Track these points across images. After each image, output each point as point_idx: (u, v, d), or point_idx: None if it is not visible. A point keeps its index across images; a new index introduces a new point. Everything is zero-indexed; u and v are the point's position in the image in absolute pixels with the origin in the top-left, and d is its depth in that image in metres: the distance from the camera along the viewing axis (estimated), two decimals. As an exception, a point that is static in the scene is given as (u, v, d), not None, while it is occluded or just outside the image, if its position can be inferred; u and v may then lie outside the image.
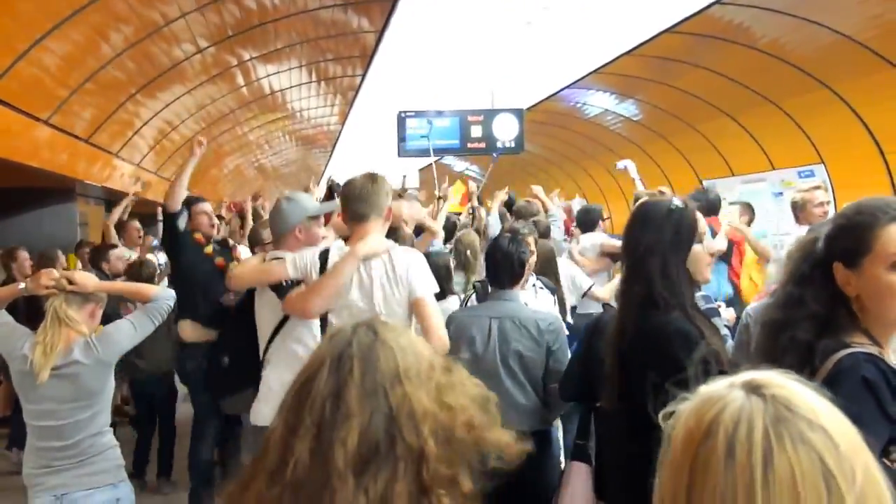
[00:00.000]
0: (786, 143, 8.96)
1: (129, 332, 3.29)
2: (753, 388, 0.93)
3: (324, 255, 3.29)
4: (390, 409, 1.20)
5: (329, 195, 5.47)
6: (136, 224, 7.77)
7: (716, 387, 0.95)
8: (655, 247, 2.38)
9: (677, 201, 2.48)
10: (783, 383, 0.93)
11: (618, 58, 8.93)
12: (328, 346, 1.29)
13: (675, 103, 10.05)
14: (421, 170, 14.99)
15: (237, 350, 3.94)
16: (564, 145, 14.07)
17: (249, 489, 1.23)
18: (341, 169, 19.53)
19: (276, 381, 3.36)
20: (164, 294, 3.38)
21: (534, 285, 4.59)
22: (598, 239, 6.14)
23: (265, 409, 3.34)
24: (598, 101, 11.53)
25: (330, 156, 17.87)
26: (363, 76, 9.93)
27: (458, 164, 18.90)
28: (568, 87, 10.59)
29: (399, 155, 10.57)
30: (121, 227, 7.62)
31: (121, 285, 4.28)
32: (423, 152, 10.73)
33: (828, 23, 6.92)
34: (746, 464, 0.87)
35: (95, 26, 5.65)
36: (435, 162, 10.39)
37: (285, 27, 7.57)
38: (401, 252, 3.28)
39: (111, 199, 10.80)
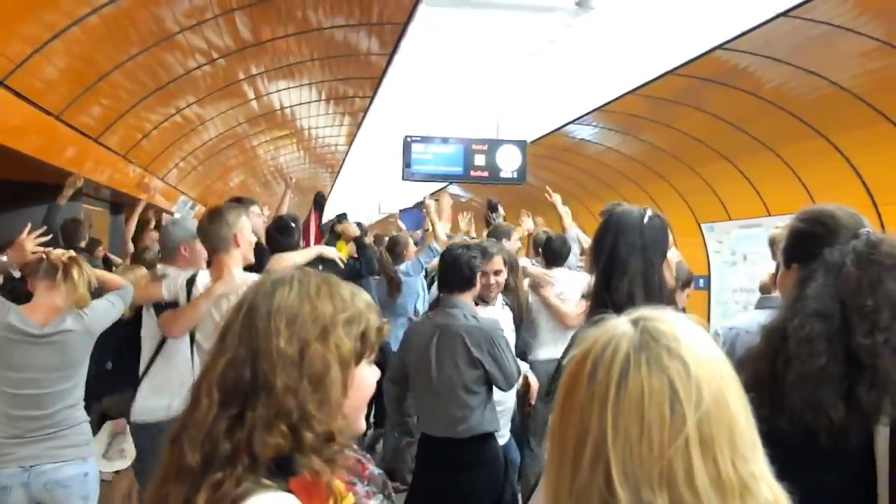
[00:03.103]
0: (782, 190, 9.07)
1: (109, 307, 3.68)
2: (635, 321, 1.02)
3: (190, 282, 3.81)
4: (257, 345, 1.32)
5: None
6: (154, 235, 7.94)
7: (612, 321, 1.05)
8: (630, 253, 2.30)
9: (650, 211, 2.44)
10: (661, 317, 1.02)
11: (621, 96, 9.10)
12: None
13: (675, 145, 10.19)
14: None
15: (121, 355, 4.33)
16: (566, 180, 14.19)
17: None
18: (344, 189, 19.67)
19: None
20: (128, 286, 3.91)
21: (503, 302, 4.75)
22: (577, 279, 5.89)
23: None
24: (601, 139, 11.68)
25: (336, 176, 17.97)
26: (371, 98, 10.10)
27: (464, 194, 19.00)
28: (571, 122, 10.75)
29: (403, 178, 10.62)
30: (138, 238, 7.83)
31: (103, 274, 4.54)
32: (427, 177, 10.86)
33: (827, 74, 7.08)
34: (604, 381, 0.97)
35: (111, 28, 5.81)
36: (441, 189, 10.44)
37: (297, 44, 7.75)
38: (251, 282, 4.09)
39: (116, 201, 10.94)
